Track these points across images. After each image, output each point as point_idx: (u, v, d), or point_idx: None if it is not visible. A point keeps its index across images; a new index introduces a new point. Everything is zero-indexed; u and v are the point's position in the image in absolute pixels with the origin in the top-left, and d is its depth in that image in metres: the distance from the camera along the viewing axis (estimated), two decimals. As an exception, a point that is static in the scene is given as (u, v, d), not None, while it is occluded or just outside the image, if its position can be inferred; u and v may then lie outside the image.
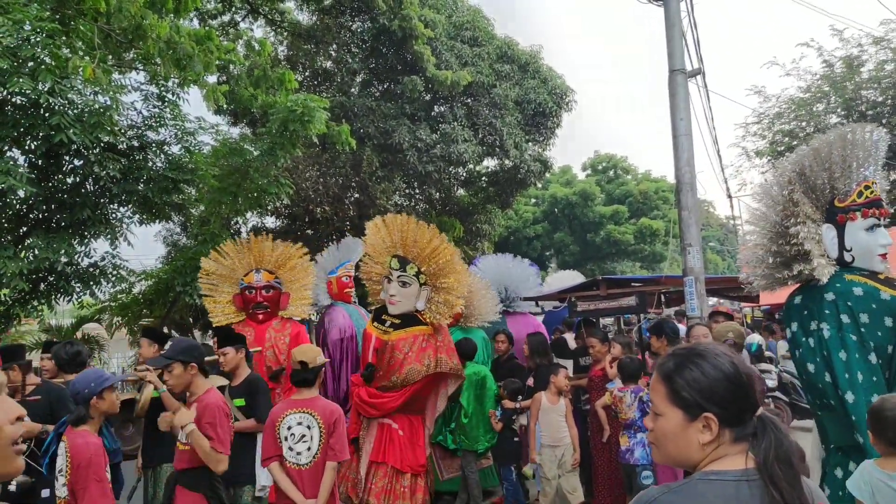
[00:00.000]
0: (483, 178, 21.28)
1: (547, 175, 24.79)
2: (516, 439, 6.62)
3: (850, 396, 3.21)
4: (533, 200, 37.29)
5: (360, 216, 16.49)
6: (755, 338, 9.74)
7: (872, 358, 3.26)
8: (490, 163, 20.71)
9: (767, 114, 20.40)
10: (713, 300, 16.33)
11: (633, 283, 7.92)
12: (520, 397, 6.63)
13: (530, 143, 19.18)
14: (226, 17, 19.17)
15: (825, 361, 3.35)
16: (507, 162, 19.27)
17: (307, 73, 18.88)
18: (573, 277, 13.76)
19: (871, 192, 3.59)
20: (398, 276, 5.81)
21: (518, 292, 8.98)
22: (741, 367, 1.59)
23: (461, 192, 21.75)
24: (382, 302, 6.00)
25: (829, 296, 3.42)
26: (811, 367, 3.43)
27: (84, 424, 3.70)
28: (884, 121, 18.09)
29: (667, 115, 6.71)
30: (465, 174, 20.74)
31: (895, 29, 18.18)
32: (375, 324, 5.97)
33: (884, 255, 3.58)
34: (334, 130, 12.87)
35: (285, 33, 19.41)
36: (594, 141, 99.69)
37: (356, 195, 17.98)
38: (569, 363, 7.53)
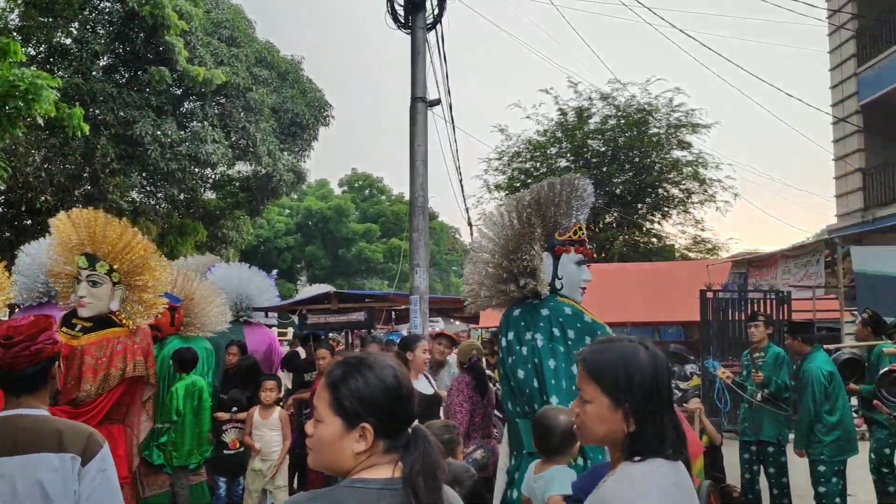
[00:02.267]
0: (234, 183, 20.59)
1: (303, 187, 24.59)
2: (227, 452, 6.41)
3: (554, 400, 3.57)
4: (287, 211, 36.82)
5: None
6: (478, 358, 10.34)
7: (574, 369, 3.64)
8: (243, 168, 20.11)
9: (508, 151, 22.03)
10: (439, 320, 17.12)
11: (366, 299, 8.06)
12: (234, 409, 6.44)
13: (285, 153, 18.92)
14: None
15: (535, 368, 3.71)
16: (260, 168, 18.83)
17: (42, 48, 17.04)
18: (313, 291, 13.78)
19: (583, 234, 4.14)
20: (87, 276, 5.35)
21: (253, 303, 8.77)
22: (403, 380, 1.64)
23: (210, 195, 20.85)
24: (73, 306, 5.50)
25: (545, 311, 3.84)
26: (521, 374, 3.78)
27: None
28: (605, 168, 20.38)
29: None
30: (216, 177, 19.93)
31: (618, 88, 20.60)
32: (64, 329, 5.45)
33: (584, 289, 4.11)
34: (64, 113, 11.69)
35: (18, 1, 17.36)
36: (353, 158, 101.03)
37: (87, 187, 16.49)
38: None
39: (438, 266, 53.09)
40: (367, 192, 41.61)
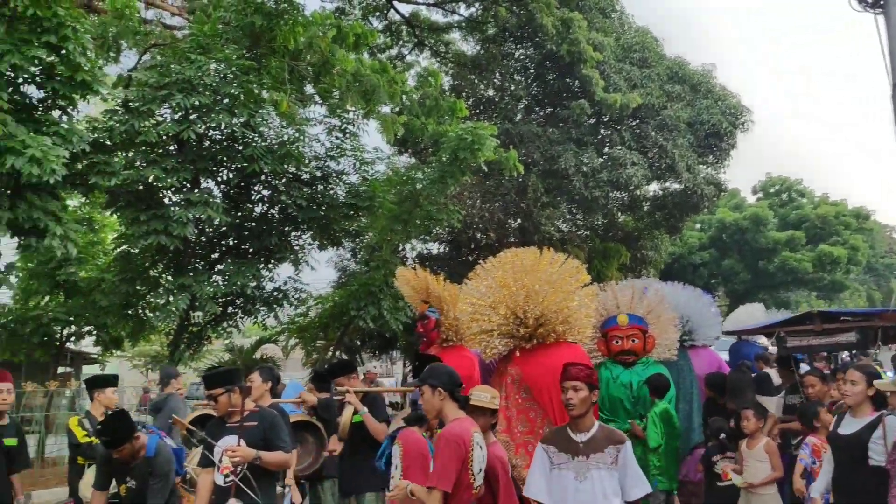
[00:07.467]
0: (646, 203, 20.52)
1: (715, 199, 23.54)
2: (718, 483, 6.07)
3: None
4: (698, 226, 35.59)
5: (524, 243, 16.30)
6: None
7: None
8: (654, 187, 19.96)
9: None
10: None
11: (842, 318, 7.14)
12: (722, 436, 6.10)
13: (703, 166, 18.31)
14: (393, 51, 19.83)
15: None
16: (675, 186, 18.50)
17: (470, 102, 19.09)
18: (752, 312, 12.66)
19: None
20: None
21: (700, 324, 8.27)
22: None
23: (622, 217, 21.10)
24: None
25: None
26: None
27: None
28: None
29: (854, 135, 6.02)
30: (627, 199, 20.12)
31: None
32: None
33: None
34: (502, 157, 12.83)
35: (450, 64, 19.76)
36: (765, 163, 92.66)
37: (519, 221, 17.85)
38: (773, 401, 6.88)
39: (875, 271, 46.46)
40: (785, 196, 38.35)
